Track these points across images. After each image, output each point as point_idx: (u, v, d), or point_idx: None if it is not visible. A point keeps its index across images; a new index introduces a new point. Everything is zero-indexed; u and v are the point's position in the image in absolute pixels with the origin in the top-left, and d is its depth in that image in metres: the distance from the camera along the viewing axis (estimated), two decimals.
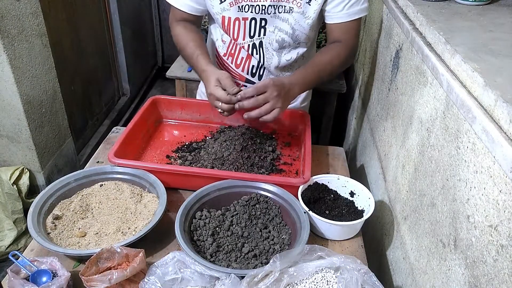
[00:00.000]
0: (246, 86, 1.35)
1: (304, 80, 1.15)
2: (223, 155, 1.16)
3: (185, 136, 1.35)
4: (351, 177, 1.12)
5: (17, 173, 1.82)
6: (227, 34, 1.24)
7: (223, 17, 1.19)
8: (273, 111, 1.04)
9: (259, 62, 1.28)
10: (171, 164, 1.20)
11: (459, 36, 0.81)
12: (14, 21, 1.62)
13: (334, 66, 1.21)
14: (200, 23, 1.33)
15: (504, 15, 0.96)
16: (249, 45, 1.24)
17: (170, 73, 2.09)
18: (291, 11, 1.17)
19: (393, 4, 1.19)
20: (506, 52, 0.73)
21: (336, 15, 1.18)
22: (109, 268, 0.84)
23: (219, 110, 1.07)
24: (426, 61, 0.85)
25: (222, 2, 1.16)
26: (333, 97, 2.08)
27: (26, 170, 1.87)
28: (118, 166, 1.08)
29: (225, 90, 1.04)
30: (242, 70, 1.31)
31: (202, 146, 1.26)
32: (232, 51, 1.29)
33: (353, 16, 1.18)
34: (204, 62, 1.14)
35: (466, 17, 0.94)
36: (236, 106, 1.05)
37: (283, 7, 1.16)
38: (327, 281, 0.82)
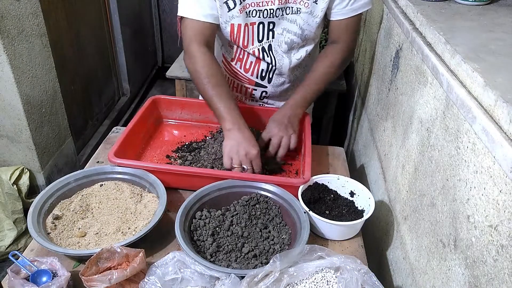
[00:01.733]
0: (256, 90, 1.35)
1: (305, 99, 1.22)
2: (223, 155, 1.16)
3: (185, 136, 1.35)
4: (351, 177, 1.12)
5: (17, 173, 1.82)
6: (235, 43, 1.23)
7: (232, 25, 1.17)
8: (291, 139, 1.17)
9: (269, 64, 1.27)
10: (171, 164, 1.20)
11: (459, 36, 0.81)
12: (14, 21, 1.62)
13: (331, 74, 1.25)
14: (215, 36, 1.24)
15: (504, 15, 0.96)
16: (258, 49, 1.23)
17: (170, 73, 2.09)
18: (298, 12, 1.16)
19: (393, 4, 1.19)
20: (506, 52, 0.73)
21: (341, 12, 1.18)
22: (109, 268, 0.84)
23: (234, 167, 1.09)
24: (426, 61, 0.85)
25: (231, 9, 1.14)
26: (333, 97, 2.08)
27: (26, 170, 1.87)
28: (118, 166, 1.08)
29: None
30: (252, 75, 1.30)
31: (202, 146, 1.26)
32: (241, 56, 1.27)
33: (357, 10, 1.18)
34: (234, 118, 1.10)
35: (466, 17, 0.94)
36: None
37: (291, 8, 1.15)
38: (327, 281, 0.82)
